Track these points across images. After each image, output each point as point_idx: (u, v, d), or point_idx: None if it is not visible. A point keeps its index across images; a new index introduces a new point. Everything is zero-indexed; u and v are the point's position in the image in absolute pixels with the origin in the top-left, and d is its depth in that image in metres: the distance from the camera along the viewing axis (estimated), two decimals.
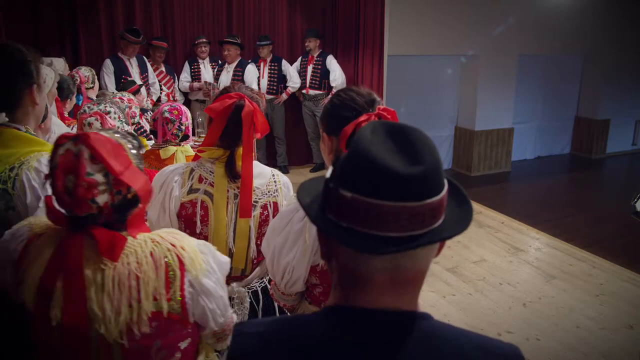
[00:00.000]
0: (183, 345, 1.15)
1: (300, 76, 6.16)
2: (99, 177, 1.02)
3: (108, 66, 4.99)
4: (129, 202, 1.10)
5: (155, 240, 1.12)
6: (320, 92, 6.04)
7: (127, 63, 5.08)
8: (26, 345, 1.36)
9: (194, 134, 4.85)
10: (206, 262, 1.15)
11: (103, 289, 1.05)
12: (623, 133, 8.40)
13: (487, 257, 4.27)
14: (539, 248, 4.58)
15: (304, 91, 6.16)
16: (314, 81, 6.04)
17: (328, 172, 0.73)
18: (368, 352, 0.69)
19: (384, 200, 0.65)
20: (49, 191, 1.40)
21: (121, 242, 1.07)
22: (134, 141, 1.15)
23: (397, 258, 0.69)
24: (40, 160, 1.44)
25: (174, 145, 2.37)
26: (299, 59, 6.22)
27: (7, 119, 1.46)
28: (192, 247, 1.14)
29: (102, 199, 1.03)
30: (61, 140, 1.05)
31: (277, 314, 1.85)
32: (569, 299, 3.62)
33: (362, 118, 1.29)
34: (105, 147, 1.04)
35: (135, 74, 5.10)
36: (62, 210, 1.09)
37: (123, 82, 4.82)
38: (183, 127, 2.39)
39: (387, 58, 6.09)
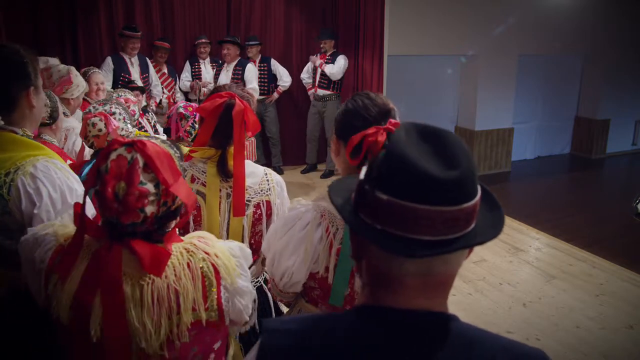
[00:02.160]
0: (216, 346, 1.16)
1: (312, 75, 6.15)
2: (150, 187, 1.01)
3: (108, 64, 4.96)
4: (171, 214, 1.09)
5: (190, 250, 1.10)
6: (329, 93, 6.02)
7: (128, 62, 5.05)
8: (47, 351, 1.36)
9: None
10: (239, 265, 1.15)
11: (142, 304, 1.03)
12: (623, 133, 8.40)
13: (487, 257, 4.27)
14: (539, 248, 4.58)
15: (312, 90, 6.14)
16: (322, 81, 6.03)
17: (362, 173, 0.73)
18: (400, 352, 0.69)
19: (420, 204, 0.65)
20: (51, 196, 1.40)
21: (165, 257, 1.04)
22: (178, 150, 1.15)
23: (430, 261, 0.69)
24: (36, 165, 1.42)
25: (186, 146, 2.36)
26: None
27: (2, 122, 1.45)
28: (224, 253, 1.13)
29: (150, 209, 1.01)
30: (113, 145, 1.03)
31: (273, 314, 1.86)
32: (569, 299, 3.62)
33: (370, 131, 1.28)
34: (160, 158, 1.02)
35: (135, 74, 5.08)
36: (91, 217, 1.06)
37: (122, 82, 4.81)
38: (197, 126, 2.38)
39: (387, 58, 6.09)
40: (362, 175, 0.72)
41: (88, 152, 2.40)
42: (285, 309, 1.73)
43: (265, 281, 1.82)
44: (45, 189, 1.41)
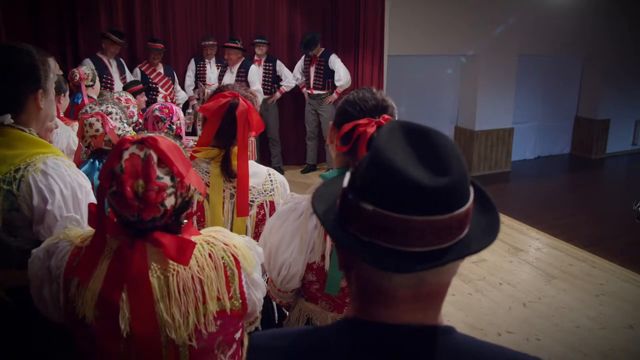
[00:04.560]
0: (237, 336, 1.19)
1: (303, 76, 6.14)
2: (167, 181, 1.03)
3: (89, 65, 4.70)
4: (186, 204, 1.11)
5: (211, 242, 1.13)
6: (324, 92, 6.00)
7: (107, 63, 4.98)
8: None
9: (194, 133, 4.85)
10: (253, 257, 1.18)
11: (169, 296, 1.05)
12: (623, 133, 8.40)
13: (487, 257, 4.27)
14: (539, 248, 4.58)
15: (308, 91, 6.13)
16: (317, 81, 6.00)
17: (345, 180, 0.68)
18: None
19: (409, 215, 0.60)
20: (63, 193, 1.41)
21: (190, 245, 1.06)
22: (179, 141, 1.17)
23: (422, 273, 0.65)
24: (46, 162, 1.43)
25: None
26: (302, 58, 6.17)
27: (12, 121, 1.46)
28: (241, 244, 1.16)
29: (169, 201, 1.04)
30: (124, 144, 1.04)
31: (275, 312, 1.86)
32: (569, 299, 3.62)
33: (363, 121, 1.29)
34: (171, 151, 1.05)
35: (115, 75, 5.05)
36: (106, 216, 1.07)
37: (105, 84, 4.79)
38: (174, 127, 2.38)
39: (387, 58, 6.09)
40: (345, 182, 0.67)
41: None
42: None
43: (267, 281, 1.82)
44: (57, 185, 1.42)
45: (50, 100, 1.56)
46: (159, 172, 1.02)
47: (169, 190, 1.03)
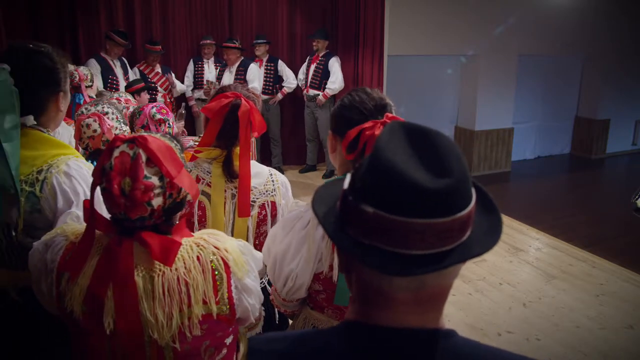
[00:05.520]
0: (228, 341, 1.18)
1: (306, 75, 6.14)
2: (155, 181, 1.03)
3: (94, 65, 4.84)
4: (177, 205, 1.11)
5: (200, 245, 1.12)
6: (318, 93, 5.99)
7: (112, 63, 5.01)
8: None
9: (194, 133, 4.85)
10: (247, 262, 1.17)
11: (154, 296, 1.05)
12: (623, 133, 8.40)
13: (487, 257, 4.27)
14: (539, 248, 4.58)
15: (304, 91, 6.13)
16: (314, 81, 6.00)
17: (345, 182, 0.67)
18: None
19: (410, 218, 0.59)
20: (87, 195, 1.41)
21: (174, 246, 1.06)
22: (178, 143, 1.16)
23: (422, 276, 0.64)
24: (69, 163, 1.43)
25: None
26: (308, 57, 6.17)
27: (35, 122, 1.47)
28: (234, 249, 1.15)
29: (156, 201, 1.04)
30: (115, 142, 1.05)
31: (276, 314, 1.85)
32: (569, 299, 3.62)
33: (368, 124, 1.27)
34: (161, 151, 1.05)
35: (119, 75, 5.06)
36: (103, 215, 1.09)
37: (110, 84, 4.80)
38: (171, 124, 2.40)
39: (387, 58, 6.08)
40: (345, 184, 0.67)
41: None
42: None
43: (270, 283, 1.81)
44: (81, 187, 1.42)
45: (67, 100, 1.58)
46: (146, 172, 1.02)
47: (157, 190, 1.03)
